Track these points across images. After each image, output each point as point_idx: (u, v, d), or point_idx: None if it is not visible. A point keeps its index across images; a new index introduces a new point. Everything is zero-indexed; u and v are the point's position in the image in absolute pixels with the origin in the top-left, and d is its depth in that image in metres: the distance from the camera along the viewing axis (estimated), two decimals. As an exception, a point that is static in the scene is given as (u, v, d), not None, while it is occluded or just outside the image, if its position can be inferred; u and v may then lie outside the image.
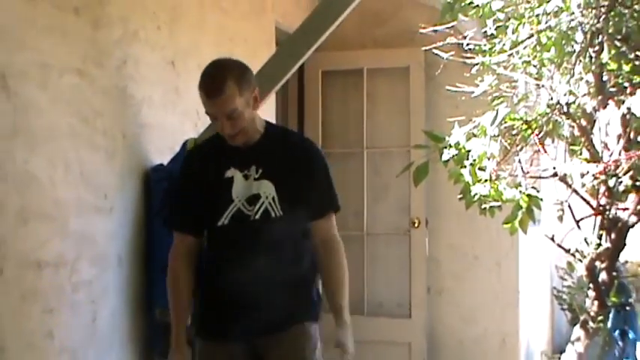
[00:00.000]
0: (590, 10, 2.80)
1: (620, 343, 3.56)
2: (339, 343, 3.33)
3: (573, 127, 2.86)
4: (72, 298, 3.72)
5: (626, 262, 5.59)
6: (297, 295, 3.34)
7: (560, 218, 3.04)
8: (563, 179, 2.86)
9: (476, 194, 2.86)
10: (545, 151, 2.79)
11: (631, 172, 3.22)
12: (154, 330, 4.10)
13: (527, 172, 2.84)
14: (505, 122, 2.82)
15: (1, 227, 3.30)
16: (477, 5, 3.08)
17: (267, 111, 5.35)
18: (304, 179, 3.34)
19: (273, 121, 5.59)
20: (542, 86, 2.79)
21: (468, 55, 2.88)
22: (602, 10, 2.82)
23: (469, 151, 2.82)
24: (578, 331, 3.03)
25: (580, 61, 2.77)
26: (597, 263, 3.16)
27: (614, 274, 3.51)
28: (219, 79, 3.20)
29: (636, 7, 2.90)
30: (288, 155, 3.35)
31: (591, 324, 2.93)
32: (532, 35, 2.88)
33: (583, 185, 2.90)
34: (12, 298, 3.37)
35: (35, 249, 3.51)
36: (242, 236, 3.30)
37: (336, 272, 3.37)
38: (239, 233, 3.31)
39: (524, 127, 2.82)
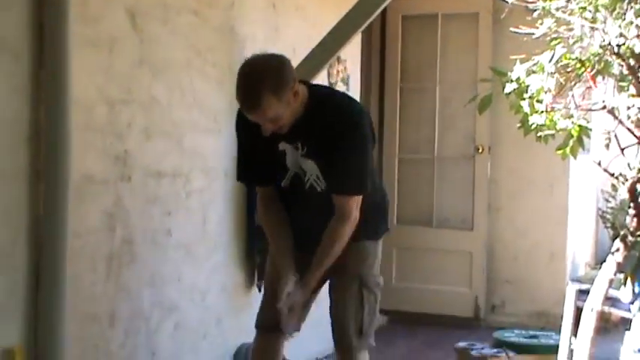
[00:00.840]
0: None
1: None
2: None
3: (622, 66, 2.80)
4: (186, 203, 3.83)
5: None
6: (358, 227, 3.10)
7: (607, 146, 3.00)
8: (611, 112, 2.81)
9: (533, 124, 2.83)
10: (596, 86, 2.75)
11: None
12: (253, 232, 4.17)
13: (579, 105, 2.80)
14: (561, 61, 2.78)
15: (129, 142, 3.40)
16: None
17: (353, 49, 5.35)
18: (334, 157, 2.96)
19: (357, 56, 5.58)
20: (596, 29, 2.73)
21: (531, 0, 2.84)
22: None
23: (528, 85, 2.79)
24: (618, 244, 3.01)
25: (631, 7, 2.71)
26: (638, 186, 3.13)
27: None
28: (255, 93, 2.77)
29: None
30: (327, 134, 2.93)
31: (630, 238, 2.91)
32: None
33: (628, 117, 2.85)
34: (138, 201, 3.48)
35: (156, 161, 3.61)
36: (300, 198, 3.10)
37: (326, 247, 3.01)
38: (297, 195, 3.10)
39: (578, 65, 2.78)
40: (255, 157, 3.07)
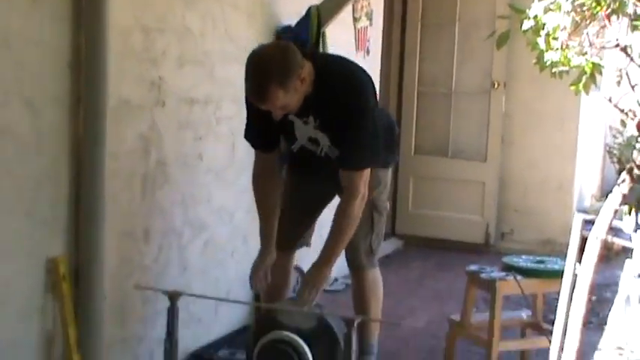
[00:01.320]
0: None
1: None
2: (303, 282, 3.05)
3: (637, 6, 2.76)
4: (216, 129, 3.84)
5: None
6: None
7: (618, 83, 2.97)
8: (624, 50, 2.78)
9: (548, 60, 2.80)
10: (611, 25, 2.71)
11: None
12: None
13: (593, 43, 2.77)
14: (577, 0, 2.74)
15: (163, 70, 3.40)
16: None
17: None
18: (339, 132, 2.93)
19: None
20: (612, -30, 2.68)
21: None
22: None
23: (545, 23, 2.75)
24: (624, 176, 3.00)
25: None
26: (646, 122, 3.11)
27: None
28: (263, 86, 2.74)
29: None
30: (333, 108, 2.89)
31: (636, 171, 2.90)
32: None
33: (640, 55, 2.82)
34: (171, 125, 3.50)
35: (189, 88, 3.61)
36: (312, 162, 3.09)
37: (338, 227, 2.96)
38: (308, 160, 3.09)
39: (594, 4, 2.74)
40: (262, 125, 3.01)
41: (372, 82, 3.03)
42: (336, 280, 5.05)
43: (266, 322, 3.07)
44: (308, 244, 3.40)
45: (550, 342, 3.05)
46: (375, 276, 3.30)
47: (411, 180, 6.55)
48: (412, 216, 6.56)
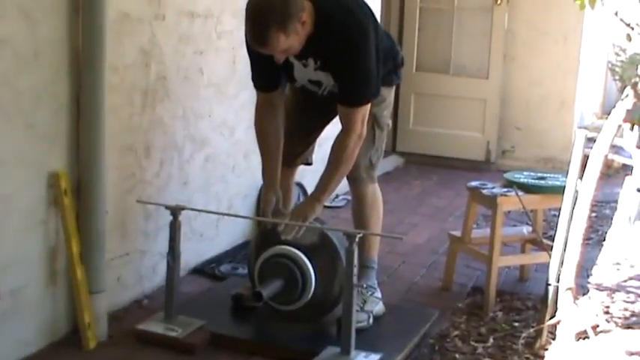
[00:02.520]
0: None
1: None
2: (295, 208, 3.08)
3: None
4: (217, 43, 3.78)
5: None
6: None
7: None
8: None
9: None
10: None
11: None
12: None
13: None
14: None
15: (163, -19, 3.32)
16: None
17: None
18: (343, 70, 2.89)
19: None
20: None
21: None
22: None
23: None
24: (628, 91, 2.96)
25: None
26: (652, 36, 3.05)
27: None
28: (262, 32, 2.68)
29: None
30: (334, 50, 2.83)
31: (641, 85, 2.86)
32: None
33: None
34: (171, 39, 3.44)
35: (189, 2, 3.54)
36: (315, 97, 3.10)
37: (333, 162, 2.97)
38: (310, 97, 3.11)
39: None
40: (263, 67, 2.96)
41: (373, 17, 2.97)
42: (337, 196, 5.05)
43: (267, 237, 3.08)
44: (309, 162, 3.39)
45: (550, 257, 3.06)
46: (375, 191, 3.29)
47: (413, 97, 6.50)
48: (413, 133, 6.53)
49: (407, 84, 6.23)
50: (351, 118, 2.92)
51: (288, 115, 3.19)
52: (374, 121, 3.15)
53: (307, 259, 2.98)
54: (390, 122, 3.37)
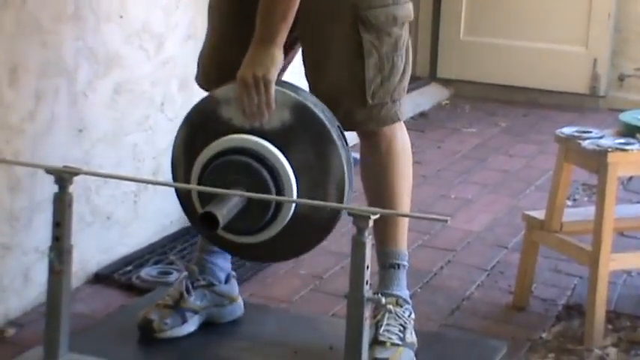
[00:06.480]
0: None
1: None
2: None
3: None
4: None
5: None
6: None
7: None
8: None
9: None
10: None
11: None
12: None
13: None
14: None
15: None
16: None
17: None
18: None
19: None
20: None
21: None
22: None
23: None
24: None
25: None
26: None
27: None
28: None
29: None
30: None
31: None
32: None
33: None
34: None
35: None
36: None
37: None
38: None
39: None
40: None
41: None
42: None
43: (207, 124, 3.05)
44: None
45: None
46: (397, 142, 3.28)
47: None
48: (466, 47, 6.54)
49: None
50: None
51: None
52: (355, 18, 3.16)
53: (279, 151, 2.95)
54: (410, 10, 3.31)
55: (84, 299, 3.61)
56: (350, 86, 3.19)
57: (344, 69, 3.18)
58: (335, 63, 3.17)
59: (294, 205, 2.98)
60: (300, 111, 3.00)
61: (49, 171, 3.03)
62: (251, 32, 3.13)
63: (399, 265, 3.29)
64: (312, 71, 3.24)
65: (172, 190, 3.95)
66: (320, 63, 3.21)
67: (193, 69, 3.32)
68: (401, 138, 3.32)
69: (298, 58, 3.26)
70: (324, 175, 3.01)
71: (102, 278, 3.79)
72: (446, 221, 3.02)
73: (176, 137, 3.19)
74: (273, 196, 2.93)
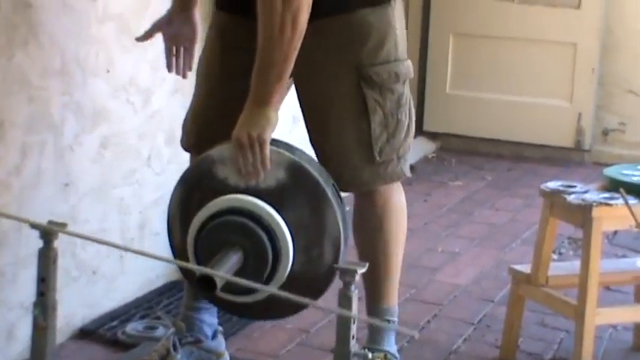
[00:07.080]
0: None
1: None
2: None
3: None
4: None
5: None
6: None
7: None
8: None
9: None
10: None
11: None
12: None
13: None
14: None
15: None
16: None
17: None
18: None
19: None
20: None
21: None
22: None
23: None
24: None
25: None
26: None
27: None
28: None
29: None
30: None
31: None
32: None
33: None
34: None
35: None
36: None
37: (261, 52, 3.08)
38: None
39: None
40: None
41: None
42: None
43: (203, 182, 3.07)
44: None
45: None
46: (391, 198, 3.31)
47: (451, 39, 6.51)
48: (452, 101, 6.55)
49: (441, 18, 6.23)
50: None
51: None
52: (357, 74, 3.18)
53: (274, 210, 2.96)
54: (410, 70, 3.34)
55: (69, 356, 3.59)
56: (357, 144, 3.21)
57: (349, 128, 3.19)
58: (340, 122, 3.20)
59: (290, 260, 2.99)
60: (296, 170, 3.02)
61: (34, 226, 3.03)
62: (237, 96, 3.14)
63: (388, 321, 3.31)
64: (316, 133, 3.26)
65: (159, 244, 3.99)
66: (324, 123, 3.23)
67: (180, 123, 3.33)
68: (398, 194, 3.34)
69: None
70: (320, 233, 3.03)
71: (87, 333, 3.77)
72: (413, 336, 3.10)
73: (172, 196, 3.23)
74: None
